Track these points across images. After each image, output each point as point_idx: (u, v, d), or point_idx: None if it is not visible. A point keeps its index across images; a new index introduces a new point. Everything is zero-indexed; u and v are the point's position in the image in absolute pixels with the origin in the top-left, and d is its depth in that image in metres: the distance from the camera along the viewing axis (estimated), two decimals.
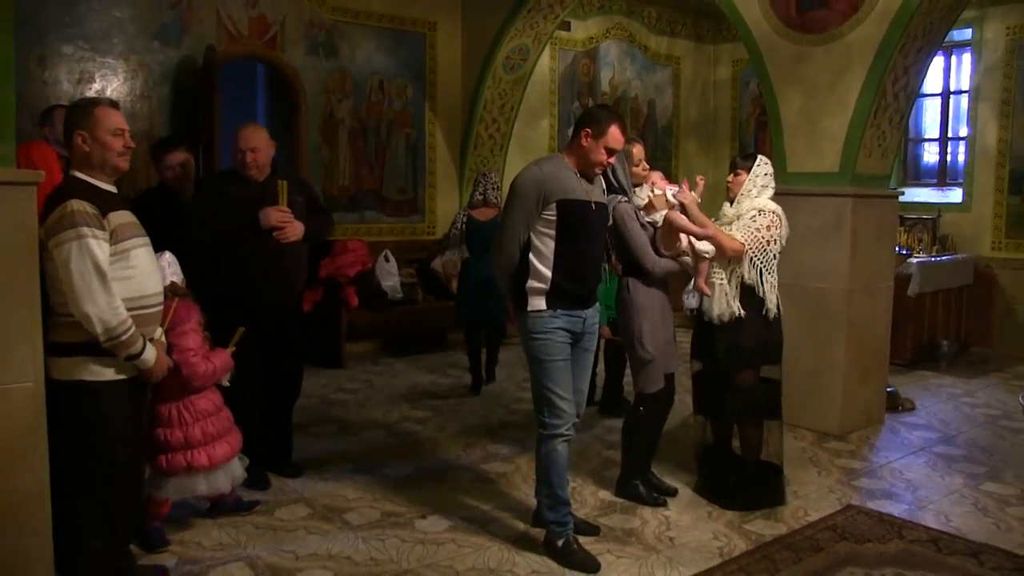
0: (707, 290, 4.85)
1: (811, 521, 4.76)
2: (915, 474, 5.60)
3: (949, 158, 10.51)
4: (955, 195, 10.07)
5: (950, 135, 10.48)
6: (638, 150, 5.14)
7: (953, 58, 10.38)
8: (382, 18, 9.33)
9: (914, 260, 8.76)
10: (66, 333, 3.31)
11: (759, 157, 5.01)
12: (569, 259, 4.13)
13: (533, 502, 4.57)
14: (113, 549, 3.56)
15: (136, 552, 4.06)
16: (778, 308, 4.93)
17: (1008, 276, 9.44)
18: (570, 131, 4.51)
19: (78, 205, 3.30)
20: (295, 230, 4.91)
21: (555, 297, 4.14)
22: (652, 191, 4.95)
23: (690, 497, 5.10)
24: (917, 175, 10.87)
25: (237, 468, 4.48)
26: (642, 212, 4.90)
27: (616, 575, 4.09)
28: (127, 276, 3.44)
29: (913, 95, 6.47)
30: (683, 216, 4.76)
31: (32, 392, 3.16)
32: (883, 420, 6.77)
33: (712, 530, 4.63)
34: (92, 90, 7.62)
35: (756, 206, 4.88)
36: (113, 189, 3.55)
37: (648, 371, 4.84)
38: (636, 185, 5.03)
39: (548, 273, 4.13)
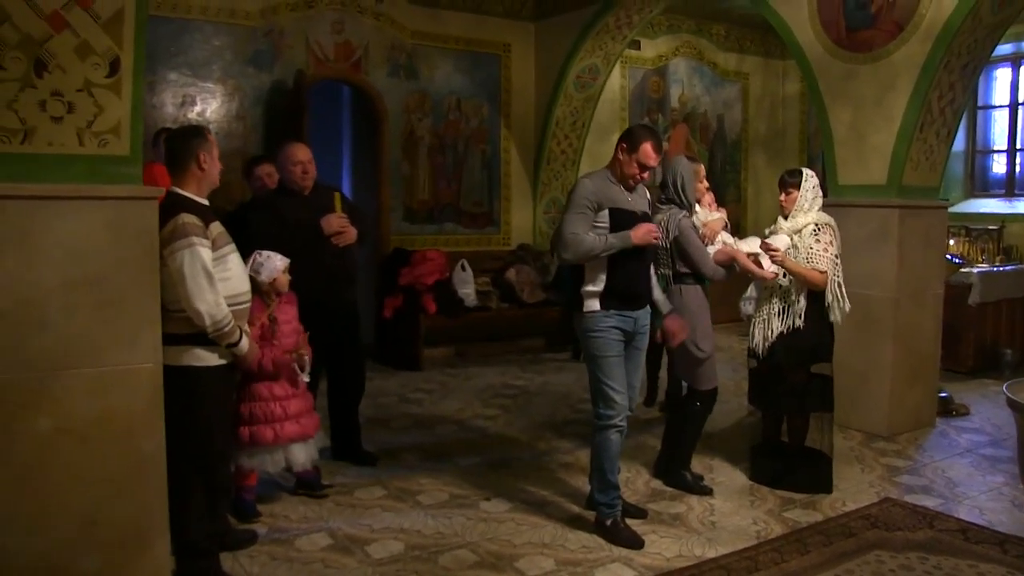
0: (770, 274, 5.28)
1: (847, 511, 5.11)
2: (957, 473, 5.88)
3: (1018, 169, 10.64)
4: (1021, 206, 10.20)
5: (1019, 147, 10.61)
6: (702, 169, 5.62)
7: (1022, 69, 10.53)
8: (459, 41, 9.87)
9: (975, 270, 8.96)
10: (176, 326, 3.85)
11: (804, 171, 5.42)
12: (620, 265, 4.55)
13: (588, 489, 5.02)
14: (213, 510, 4.11)
15: (231, 522, 4.61)
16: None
17: None
18: None
19: (188, 218, 3.86)
20: (352, 234, 5.48)
21: (608, 298, 4.57)
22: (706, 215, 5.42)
23: (735, 486, 5.49)
24: (985, 186, 11.02)
25: (314, 449, 5.01)
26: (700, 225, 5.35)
27: (659, 551, 4.50)
28: (225, 278, 4.00)
29: (960, 110, 6.75)
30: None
31: (153, 371, 3.71)
32: (934, 423, 7.03)
33: (752, 516, 5.01)
34: (194, 112, 8.32)
35: (812, 220, 5.29)
36: (207, 203, 4.10)
37: (704, 369, 5.28)
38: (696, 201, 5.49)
39: (602, 276, 4.57)
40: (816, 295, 5.26)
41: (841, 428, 6.58)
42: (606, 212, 4.53)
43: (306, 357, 4.83)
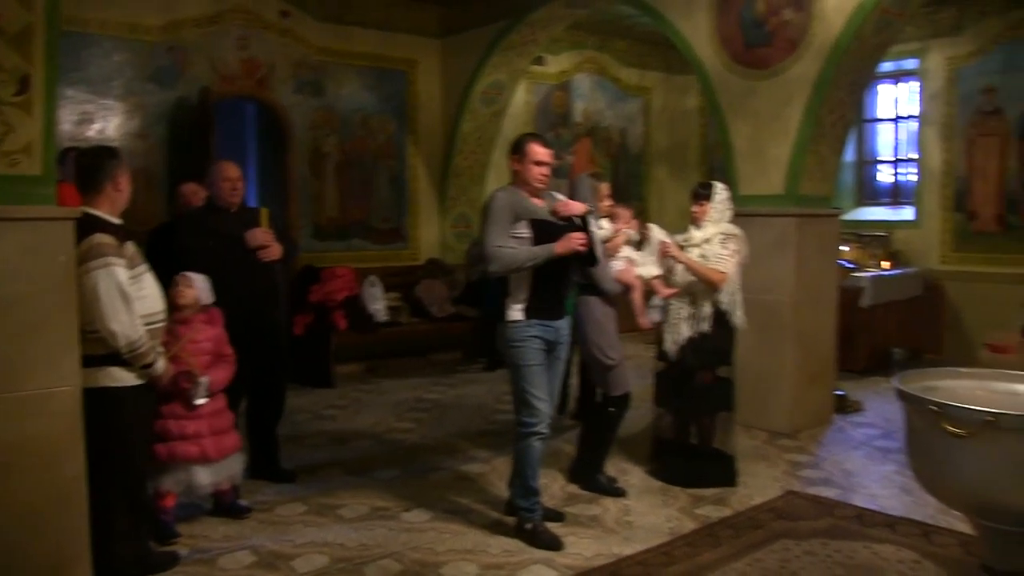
0: (647, 322, 5.74)
1: (754, 505, 5.35)
2: (853, 464, 6.20)
3: (902, 179, 11.15)
4: (907, 213, 10.69)
5: (901, 157, 11.13)
6: (605, 187, 5.78)
7: (902, 86, 11.06)
8: (365, 57, 9.96)
9: (866, 274, 9.39)
10: (91, 347, 3.87)
11: (715, 185, 5.70)
12: (544, 275, 4.70)
13: (506, 495, 5.16)
14: (136, 533, 4.12)
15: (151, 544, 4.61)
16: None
17: (955, 288, 10.05)
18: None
19: (104, 238, 3.89)
20: (276, 251, 5.55)
21: (531, 309, 4.72)
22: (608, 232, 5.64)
23: (648, 488, 5.69)
24: (873, 195, 11.51)
25: (234, 467, 5.03)
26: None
27: (578, 551, 4.66)
28: (141, 297, 4.04)
29: (849, 124, 7.11)
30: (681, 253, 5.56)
31: (73, 394, 3.71)
32: (831, 420, 7.36)
33: (665, 514, 5.22)
34: (93, 130, 8.19)
35: (722, 230, 5.57)
36: (121, 223, 4.13)
37: (615, 375, 5.47)
38: (603, 217, 5.68)
39: (525, 287, 4.71)
40: (730, 301, 5.52)
41: (747, 428, 6.87)
42: (526, 223, 4.67)
43: (201, 380, 4.76)
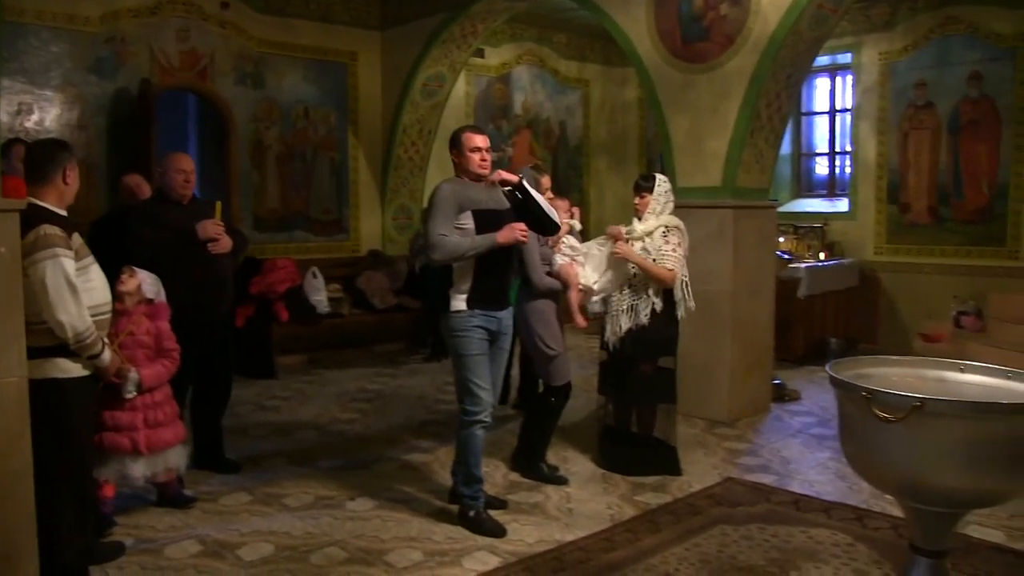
0: (581, 322, 5.71)
1: (693, 491, 5.46)
2: (790, 452, 6.34)
3: (838, 171, 11.37)
4: (842, 205, 10.92)
5: (838, 150, 11.35)
6: (546, 180, 5.86)
7: (838, 79, 11.28)
8: (306, 49, 9.94)
9: (803, 265, 9.58)
10: (38, 338, 3.83)
11: (657, 177, 5.77)
12: (485, 265, 4.75)
13: (450, 484, 5.23)
14: (83, 524, 4.10)
15: None
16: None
17: (889, 278, 10.29)
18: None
19: (51, 229, 3.86)
20: (227, 243, 5.54)
21: (474, 299, 4.78)
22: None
23: (589, 476, 5.77)
24: (810, 187, 11.73)
25: (177, 458, 5.01)
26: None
27: (521, 538, 4.72)
28: (88, 288, 4.01)
29: (786, 117, 7.24)
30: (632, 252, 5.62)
31: (19, 385, 3.67)
32: (769, 409, 7.52)
33: (607, 501, 5.30)
34: (31, 121, 8.09)
35: (662, 223, 5.64)
36: (67, 215, 4.11)
37: (556, 365, 5.54)
38: None
39: (469, 277, 4.76)
40: (663, 292, 5.59)
41: (686, 416, 6.97)
42: (469, 213, 4.71)
43: (130, 375, 4.70)
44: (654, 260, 5.58)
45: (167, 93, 9.18)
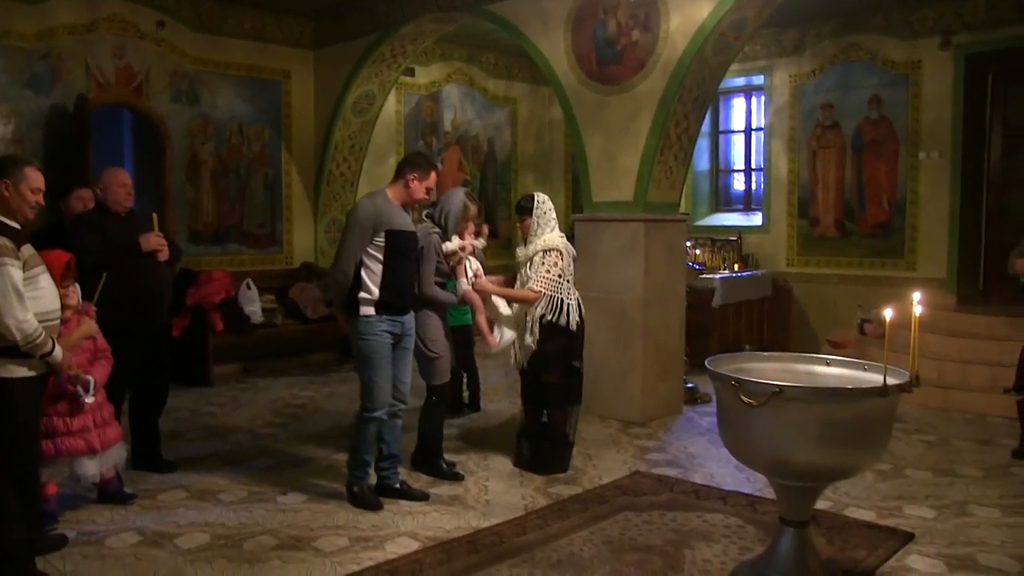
0: (493, 341, 6.16)
1: (603, 483, 5.88)
2: (696, 448, 6.78)
3: (754, 187, 11.94)
4: (757, 219, 11.50)
5: (753, 167, 11.92)
6: (474, 210, 6.31)
7: (753, 99, 11.86)
8: (240, 67, 10.24)
9: (717, 276, 10.09)
10: None
11: (536, 197, 6.16)
12: (393, 277, 5.24)
13: (374, 481, 5.62)
14: (27, 515, 4.38)
15: None
16: (579, 316, 6.04)
17: (801, 288, 10.88)
18: None
19: (0, 240, 4.15)
20: (166, 252, 5.91)
21: (381, 305, 5.23)
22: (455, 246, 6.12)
23: (508, 471, 6.17)
24: (728, 201, 12.29)
25: (117, 455, 5.32)
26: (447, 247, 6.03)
27: (440, 525, 5.10)
28: (36, 296, 4.29)
29: (694, 136, 7.72)
30: (489, 285, 6.12)
31: None
32: (681, 410, 7.97)
33: (521, 493, 5.70)
34: None
35: (540, 247, 6.00)
36: (19, 227, 4.40)
37: (436, 366, 5.96)
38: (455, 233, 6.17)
39: (376, 288, 5.22)
40: (554, 311, 5.96)
41: (601, 418, 7.45)
42: (383, 234, 5.19)
43: (89, 379, 5.01)
44: (526, 283, 6.03)
45: (103, 109, 9.41)
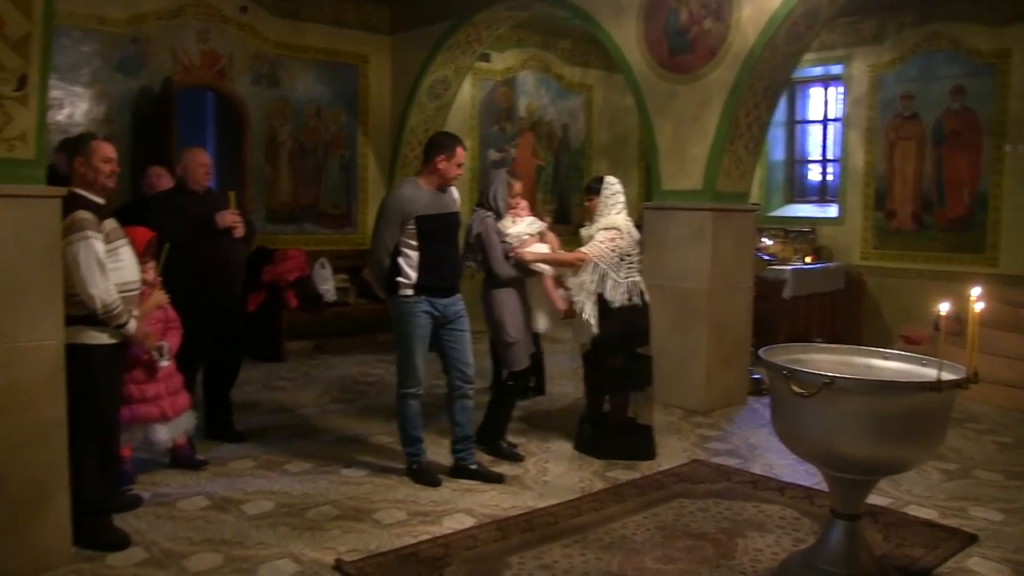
0: (562, 304, 6.22)
1: (661, 470, 5.93)
2: (758, 439, 6.77)
3: (830, 178, 11.80)
4: (832, 211, 11.35)
5: (829, 157, 11.78)
6: (519, 186, 6.42)
7: (830, 89, 11.71)
8: (319, 52, 10.43)
9: (788, 267, 10.02)
10: (72, 309, 4.32)
11: (606, 179, 6.22)
12: (430, 260, 5.37)
13: (438, 458, 5.80)
14: (105, 473, 4.60)
15: None
16: (639, 299, 6.07)
17: (874, 282, 10.73)
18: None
19: (83, 214, 4.36)
20: (242, 229, 6.12)
21: (420, 287, 5.38)
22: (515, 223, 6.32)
23: (568, 455, 6.25)
24: (803, 192, 12.16)
25: (187, 423, 5.55)
26: (506, 229, 6.19)
27: (497, 504, 5.21)
28: (117, 267, 4.52)
29: (765, 125, 7.68)
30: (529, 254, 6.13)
31: (55, 348, 4.18)
32: (745, 401, 7.96)
33: (579, 476, 5.78)
34: (62, 115, 8.59)
35: (603, 224, 6.07)
36: (103, 202, 4.60)
37: (514, 352, 6.03)
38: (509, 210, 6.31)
39: (413, 272, 5.37)
40: (622, 289, 5.99)
41: (664, 405, 7.46)
42: (413, 221, 5.32)
43: (164, 345, 5.26)
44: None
45: (187, 91, 9.66)
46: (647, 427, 6.29)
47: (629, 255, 6.06)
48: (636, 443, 6.22)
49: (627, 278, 6.02)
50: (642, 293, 6.13)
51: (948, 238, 10.12)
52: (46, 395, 4.13)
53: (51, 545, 4.22)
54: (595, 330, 6.02)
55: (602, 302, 5.99)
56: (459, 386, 5.61)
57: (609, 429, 6.26)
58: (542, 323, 6.49)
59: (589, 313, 6.00)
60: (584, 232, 6.23)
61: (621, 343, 6.11)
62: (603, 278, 5.99)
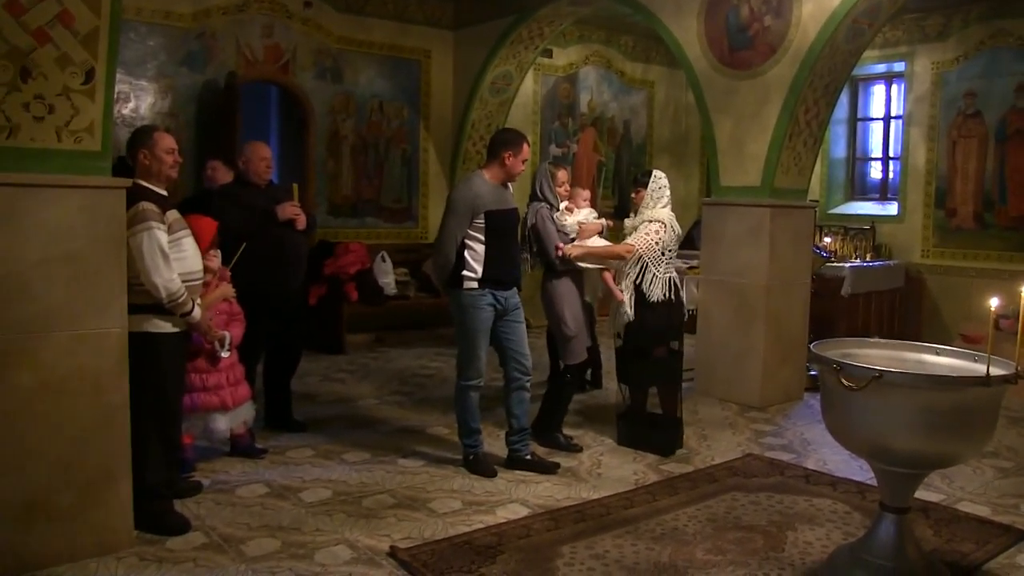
0: (620, 295, 6.17)
1: (714, 464, 5.98)
2: (812, 435, 6.79)
3: (891, 176, 11.70)
4: (892, 208, 11.28)
5: (891, 155, 11.69)
6: (563, 174, 6.51)
7: (893, 86, 11.62)
8: (382, 47, 10.59)
9: (847, 264, 9.98)
10: (137, 297, 4.47)
11: (654, 173, 6.27)
12: (496, 255, 5.47)
13: (494, 450, 5.92)
14: (167, 459, 4.76)
15: None
16: (673, 294, 6.12)
17: (935, 280, 10.65)
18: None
19: (147, 205, 4.50)
20: (303, 220, 6.26)
21: (485, 280, 5.47)
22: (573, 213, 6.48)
23: (622, 448, 6.32)
24: (864, 190, 12.08)
25: (247, 413, 5.73)
26: (561, 219, 6.31)
27: (551, 495, 5.30)
28: (180, 257, 4.66)
29: (824, 123, 7.67)
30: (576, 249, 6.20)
31: (120, 335, 4.32)
32: (802, 397, 7.97)
33: (633, 469, 5.85)
34: (128, 109, 8.84)
35: (648, 217, 6.13)
36: (166, 193, 4.75)
37: (573, 345, 6.13)
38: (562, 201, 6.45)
39: (479, 267, 5.46)
40: (660, 284, 6.05)
41: (720, 400, 7.54)
42: (483, 216, 5.42)
43: (226, 335, 5.40)
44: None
45: (251, 85, 9.85)
46: (678, 420, 6.33)
47: (670, 250, 6.13)
48: (669, 437, 6.26)
49: (665, 273, 6.09)
50: (677, 288, 6.19)
51: (1010, 237, 10.02)
52: (111, 381, 4.26)
53: (114, 528, 4.35)
54: (631, 318, 6.08)
55: (639, 294, 6.06)
56: (516, 378, 5.69)
57: (642, 422, 6.33)
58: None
59: (627, 303, 6.07)
60: (629, 223, 6.30)
61: (655, 337, 6.17)
62: (644, 270, 6.05)
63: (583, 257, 6.17)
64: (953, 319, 10.30)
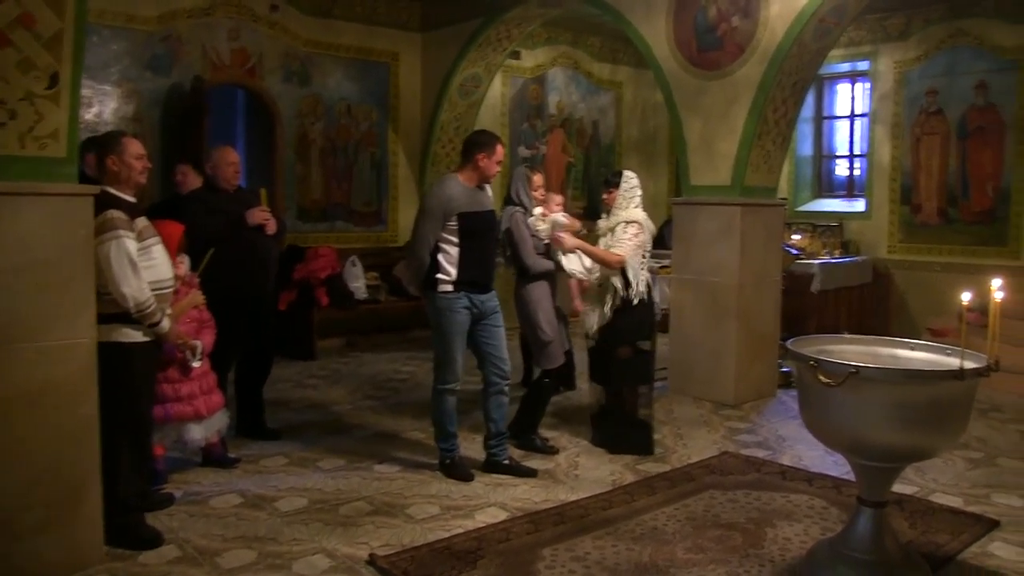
0: (580, 306, 6.15)
1: (691, 462, 6.01)
2: (787, 431, 6.84)
3: (858, 172, 11.81)
4: (859, 205, 11.40)
5: (857, 152, 11.80)
6: (538, 178, 6.51)
7: (858, 85, 11.73)
8: (350, 49, 10.54)
9: (817, 261, 10.06)
10: (105, 307, 4.39)
11: (625, 174, 6.28)
12: (470, 257, 5.44)
13: (471, 454, 5.91)
14: (139, 471, 4.69)
15: None
16: (647, 294, 6.14)
17: (901, 275, 10.78)
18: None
19: (115, 213, 4.43)
20: (273, 225, 6.21)
21: (460, 283, 5.45)
22: (545, 219, 6.33)
23: (597, 449, 6.33)
24: (831, 187, 12.19)
25: (220, 422, 5.66)
26: (536, 224, 6.25)
27: (529, 497, 5.30)
28: (150, 265, 4.58)
29: (793, 121, 7.74)
30: (576, 241, 6.19)
31: (89, 346, 4.24)
32: (775, 394, 8.03)
33: (610, 469, 5.87)
34: (91, 114, 8.70)
35: (623, 218, 6.13)
36: (135, 200, 4.69)
37: (549, 350, 6.12)
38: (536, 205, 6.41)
39: (454, 269, 5.44)
40: (643, 283, 6.08)
41: (695, 399, 7.57)
42: (455, 218, 5.39)
43: (197, 345, 5.34)
44: (610, 247, 6.11)
45: (218, 89, 9.78)
46: (647, 422, 6.33)
47: (647, 250, 6.16)
48: (640, 437, 6.26)
49: (645, 273, 6.14)
50: (650, 288, 6.23)
51: (973, 231, 10.17)
52: (79, 393, 4.18)
53: (84, 543, 4.27)
54: (608, 318, 6.10)
55: (620, 296, 6.08)
56: (495, 382, 5.68)
57: (617, 423, 6.31)
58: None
59: (609, 308, 6.09)
60: (603, 224, 6.30)
61: (628, 336, 6.17)
62: (623, 272, 6.07)
63: (575, 250, 6.17)
64: (920, 313, 10.43)
